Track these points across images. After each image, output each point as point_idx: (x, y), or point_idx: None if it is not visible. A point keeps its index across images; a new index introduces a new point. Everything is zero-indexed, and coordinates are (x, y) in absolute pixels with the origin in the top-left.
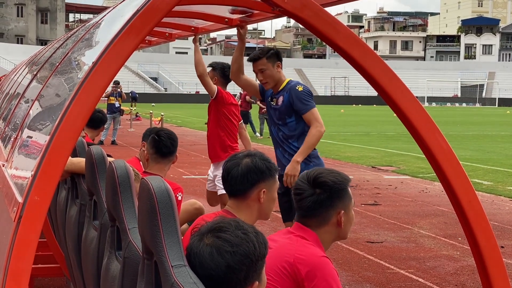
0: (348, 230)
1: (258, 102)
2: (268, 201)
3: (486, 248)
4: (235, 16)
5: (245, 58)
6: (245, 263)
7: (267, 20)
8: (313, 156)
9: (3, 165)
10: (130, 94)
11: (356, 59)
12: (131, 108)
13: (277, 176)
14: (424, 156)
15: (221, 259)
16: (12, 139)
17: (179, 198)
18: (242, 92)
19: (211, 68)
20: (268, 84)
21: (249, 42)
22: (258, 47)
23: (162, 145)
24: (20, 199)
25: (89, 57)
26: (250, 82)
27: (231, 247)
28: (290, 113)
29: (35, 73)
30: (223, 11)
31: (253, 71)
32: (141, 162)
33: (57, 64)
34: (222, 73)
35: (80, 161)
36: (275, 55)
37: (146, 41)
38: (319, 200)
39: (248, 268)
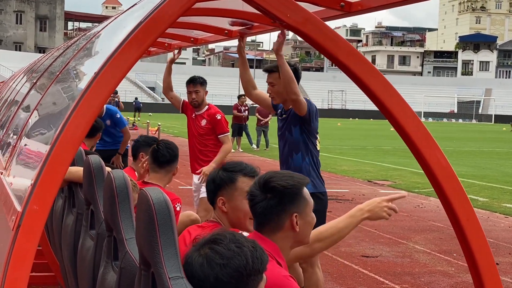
0: (307, 234)
1: (257, 114)
2: (232, 210)
3: (483, 265)
4: (235, 28)
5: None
6: (234, 277)
7: (266, 33)
8: (313, 176)
9: (1, 173)
10: (133, 104)
11: (357, 74)
12: (136, 118)
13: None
14: (420, 171)
15: (210, 271)
16: (10, 147)
17: (178, 208)
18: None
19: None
20: (274, 99)
21: (247, 53)
22: (256, 59)
23: (159, 154)
24: (19, 208)
25: (90, 67)
26: (263, 96)
27: (222, 260)
28: (296, 123)
29: (34, 81)
30: (223, 22)
31: (266, 81)
32: (136, 172)
33: (58, 73)
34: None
35: (78, 170)
36: None
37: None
38: (269, 205)
39: (237, 282)
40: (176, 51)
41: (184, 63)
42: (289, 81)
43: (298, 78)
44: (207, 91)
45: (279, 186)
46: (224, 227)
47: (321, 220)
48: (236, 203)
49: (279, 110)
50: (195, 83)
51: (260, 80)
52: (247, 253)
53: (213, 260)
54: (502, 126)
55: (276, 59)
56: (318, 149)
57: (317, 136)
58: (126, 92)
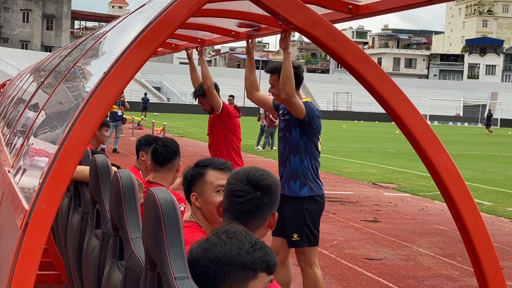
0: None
1: (270, 116)
2: (204, 204)
3: (489, 270)
4: (242, 30)
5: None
6: (213, 262)
7: (273, 35)
8: (310, 179)
9: (9, 171)
10: (141, 101)
11: (365, 77)
12: (141, 118)
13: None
14: (425, 174)
15: (195, 254)
16: (17, 146)
17: (182, 208)
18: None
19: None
20: (275, 100)
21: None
22: (262, 60)
23: (157, 154)
24: (26, 207)
25: (99, 67)
26: (263, 98)
27: (207, 244)
28: (297, 125)
29: (42, 80)
30: (230, 24)
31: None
32: (140, 171)
33: (66, 72)
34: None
35: (84, 169)
36: None
37: None
38: (262, 203)
39: (215, 267)
40: (193, 49)
41: None
42: (285, 80)
43: (299, 81)
44: (209, 99)
45: (274, 185)
46: (199, 223)
47: (316, 221)
48: (206, 197)
49: (281, 111)
50: (196, 96)
51: (265, 81)
52: (234, 243)
53: (201, 244)
54: (507, 130)
55: (280, 60)
56: (319, 150)
57: (319, 137)
58: (131, 91)
